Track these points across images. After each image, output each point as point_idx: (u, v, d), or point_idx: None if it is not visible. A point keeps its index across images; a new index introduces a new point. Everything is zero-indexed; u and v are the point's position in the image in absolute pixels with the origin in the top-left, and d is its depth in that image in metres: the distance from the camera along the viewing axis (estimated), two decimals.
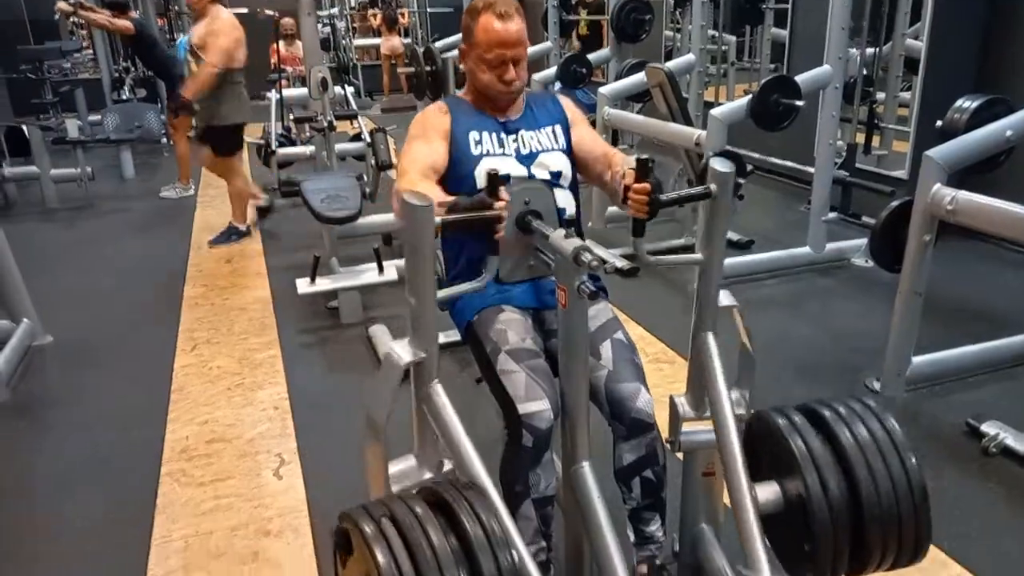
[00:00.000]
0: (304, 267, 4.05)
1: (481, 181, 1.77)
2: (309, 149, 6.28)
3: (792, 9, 5.48)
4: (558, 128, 1.86)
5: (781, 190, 5.66)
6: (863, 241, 4.13)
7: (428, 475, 1.60)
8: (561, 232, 1.56)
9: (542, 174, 1.79)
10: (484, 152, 1.78)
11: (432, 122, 1.79)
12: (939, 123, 2.74)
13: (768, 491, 1.54)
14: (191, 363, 3.22)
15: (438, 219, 1.33)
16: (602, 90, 4.48)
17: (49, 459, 2.58)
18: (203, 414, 2.81)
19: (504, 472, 1.64)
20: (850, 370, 2.94)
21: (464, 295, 1.83)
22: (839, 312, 3.58)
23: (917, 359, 2.75)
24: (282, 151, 6.15)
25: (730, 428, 1.56)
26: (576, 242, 1.43)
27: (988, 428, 2.42)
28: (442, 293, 1.47)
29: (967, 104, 2.65)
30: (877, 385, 2.78)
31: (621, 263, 1.59)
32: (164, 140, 7.68)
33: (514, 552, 1.25)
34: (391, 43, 11.00)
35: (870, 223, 2.87)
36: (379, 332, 3.30)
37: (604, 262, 1.63)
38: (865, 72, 4.78)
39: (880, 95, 5.15)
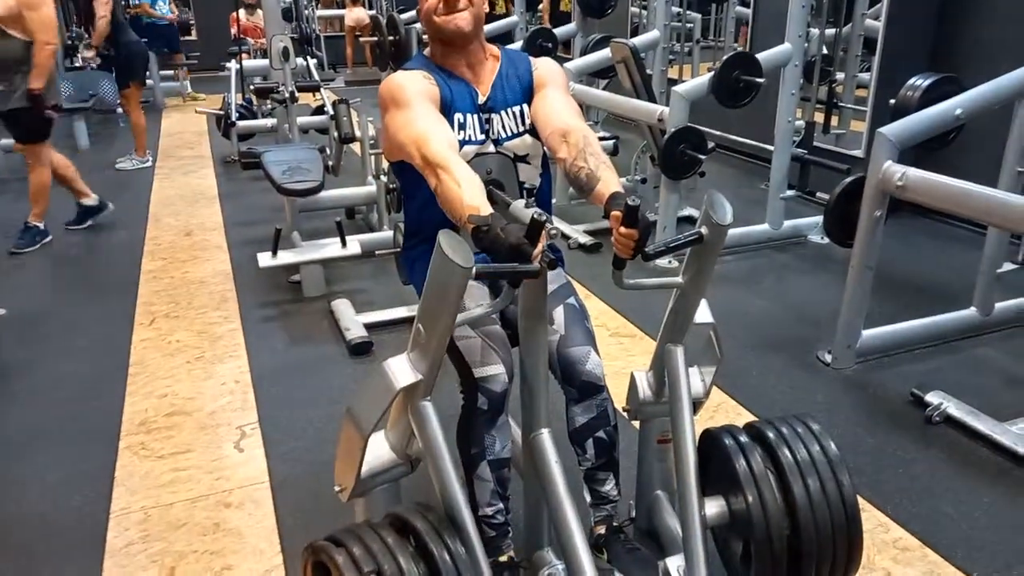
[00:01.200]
0: (265, 240, 4.01)
1: None
2: (270, 121, 6.20)
3: None
4: (525, 107, 1.78)
5: (740, 168, 5.74)
6: (820, 218, 4.22)
7: (397, 460, 1.62)
8: (521, 202, 1.57)
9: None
10: (467, 139, 1.72)
11: (424, 87, 1.67)
12: (892, 101, 2.80)
13: (715, 505, 1.64)
14: (149, 336, 3.18)
15: (473, 269, 1.26)
16: (567, 65, 4.48)
17: (2, 431, 2.54)
18: (162, 387, 2.78)
19: (460, 435, 1.67)
20: (803, 343, 3.02)
21: (424, 259, 1.84)
22: (795, 287, 3.67)
23: (867, 332, 2.84)
24: (242, 123, 6.08)
25: (688, 446, 1.62)
26: (535, 210, 1.44)
27: (932, 398, 2.51)
28: (461, 317, 1.43)
29: (919, 82, 2.72)
30: (828, 357, 2.86)
31: (584, 239, 1.60)
32: (119, 110, 7.48)
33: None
34: (356, 15, 10.79)
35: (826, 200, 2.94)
36: (342, 307, 3.29)
37: (568, 237, 1.64)
38: (825, 52, 4.86)
39: (839, 75, 5.24)
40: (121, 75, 6.08)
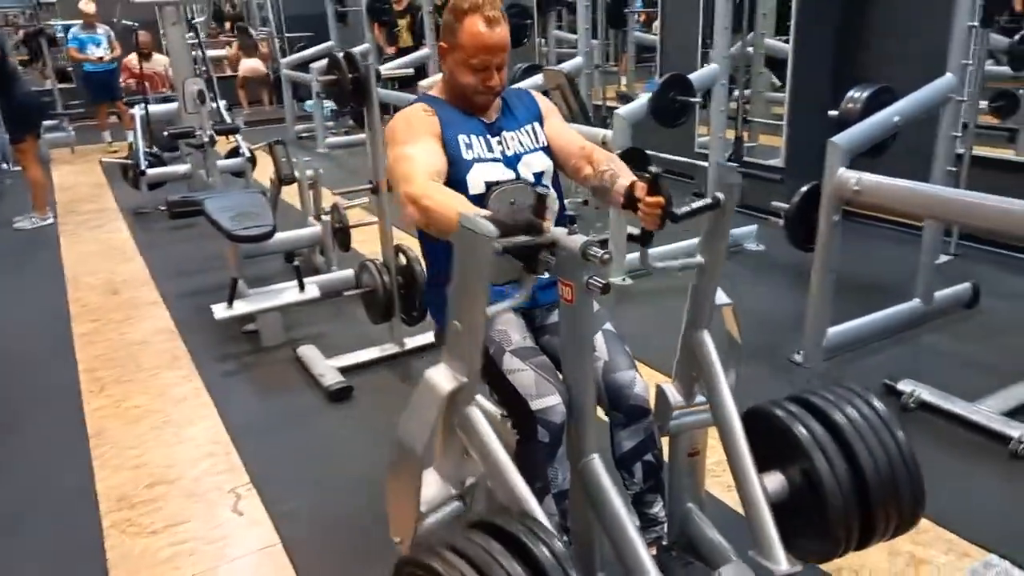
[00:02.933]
0: (204, 292, 3.89)
1: (474, 188, 1.73)
2: (183, 167, 5.94)
3: (661, 15, 5.79)
4: (536, 126, 1.85)
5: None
6: (754, 227, 4.44)
7: (453, 491, 1.58)
8: (563, 230, 1.58)
9: (527, 175, 1.80)
10: (475, 157, 1.74)
11: (421, 123, 1.72)
12: (833, 112, 3.00)
13: (773, 481, 1.62)
14: (104, 404, 2.95)
15: (497, 245, 1.27)
16: None
17: None
18: (133, 458, 2.58)
19: (521, 472, 1.64)
20: (769, 346, 3.15)
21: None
22: (744, 294, 3.80)
23: (831, 330, 3.00)
24: (152, 171, 5.79)
25: (735, 425, 1.63)
26: (582, 238, 1.45)
27: (904, 386, 2.68)
28: (491, 309, 1.39)
29: (858, 94, 2.92)
30: (799, 357, 3.00)
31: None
32: (4, 165, 6.96)
33: None
34: (251, 65, 10.54)
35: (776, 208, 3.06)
36: (310, 353, 3.16)
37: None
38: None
39: (746, 91, 5.55)
40: (15, 128, 5.67)
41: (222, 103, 6.28)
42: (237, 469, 2.48)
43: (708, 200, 1.55)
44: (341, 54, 2.77)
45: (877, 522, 1.56)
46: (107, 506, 2.32)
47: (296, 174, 4.09)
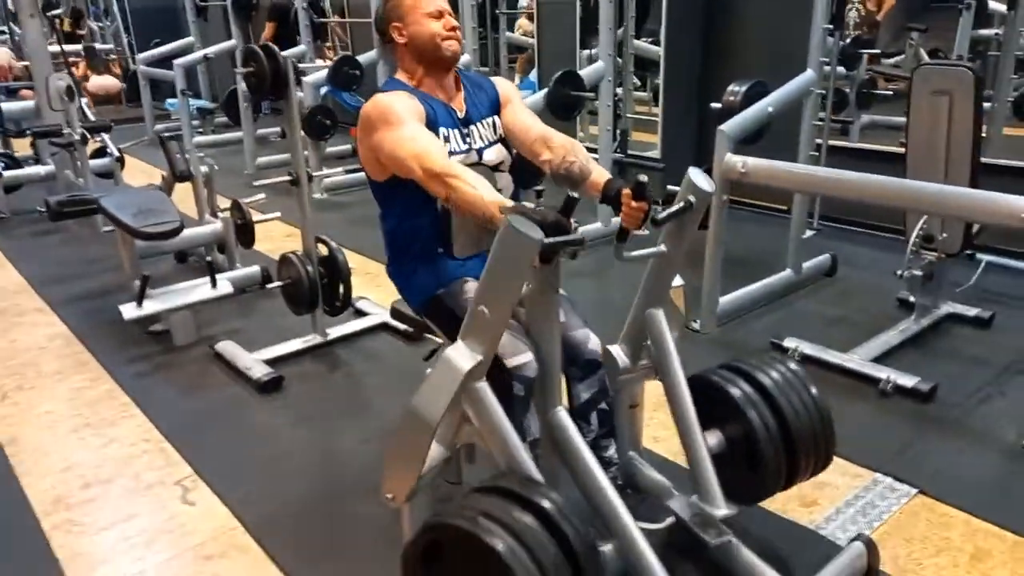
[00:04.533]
0: (91, 296, 3.84)
1: None
2: (44, 169, 5.56)
3: (538, 16, 6.06)
4: (495, 118, 1.97)
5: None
6: None
7: (447, 453, 1.74)
8: (529, 205, 1.75)
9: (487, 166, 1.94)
10: (451, 150, 1.84)
11: (409, 107, 1.78)
12: (716, 105, 3.34)
13: (713, 437, 1.89)
14: (11, 413, 2.79)
15: (547, 241, 1.41)
16: None
17: None
18: (59, 462, 2.48)
19: None
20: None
21: (420, 272, 1.94)
22: (636, 275, 4.13)
23: (722, 299, 3.34)
24: (9, 173, 5.39)
25: (683, 391, 1.86)
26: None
27: (788, 343, 3.05)
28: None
29: (738, 88, 3.27)
30: (696, 325, 3.32)
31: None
32: None
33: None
34: (102, 83, 9.73)
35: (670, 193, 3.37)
36: (231, 348, 3.12)
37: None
38: None
39: (619, 89, 5.93)
40: None
41: (85, 100, 5.93)
42: (177, 463, 2.45)
43: (682, 204, 1.74)
44: (260, 47, 2.78)
45: (800, 464, 1.86)
46: (43, 510, 2.23)
47: (193, 171, 3.97)
